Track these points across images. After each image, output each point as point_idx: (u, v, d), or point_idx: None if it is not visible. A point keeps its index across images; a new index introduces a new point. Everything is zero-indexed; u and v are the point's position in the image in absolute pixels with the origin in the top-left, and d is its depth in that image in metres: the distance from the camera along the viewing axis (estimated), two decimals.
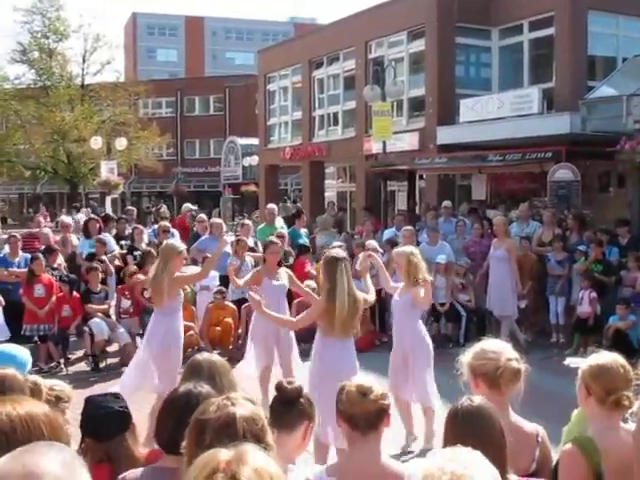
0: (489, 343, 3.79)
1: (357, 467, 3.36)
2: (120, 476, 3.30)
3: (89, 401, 4.15)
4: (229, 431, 2.54)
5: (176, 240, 10.29)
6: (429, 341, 8.30)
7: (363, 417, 3.37)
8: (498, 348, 3.74)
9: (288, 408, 3.70)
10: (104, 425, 3.93)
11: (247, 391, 2.91)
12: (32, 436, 2.10)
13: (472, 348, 3.79)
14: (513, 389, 3.66)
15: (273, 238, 10.33)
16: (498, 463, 2.93)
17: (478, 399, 3.19)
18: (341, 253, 7.27)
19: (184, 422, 2.91)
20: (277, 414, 3.67)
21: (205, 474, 1.78)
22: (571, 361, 3.96)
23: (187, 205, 18.18)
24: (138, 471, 3.29)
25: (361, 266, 7.92)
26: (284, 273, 9.22)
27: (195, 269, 13.38)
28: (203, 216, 16.62)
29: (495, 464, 2.68)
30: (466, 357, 3.77)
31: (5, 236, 14.31)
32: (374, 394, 3.39)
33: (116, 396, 4.16)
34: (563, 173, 17.24)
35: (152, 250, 12.76)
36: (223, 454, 1.82)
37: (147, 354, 8.10)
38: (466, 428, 3.04)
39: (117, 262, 13.30)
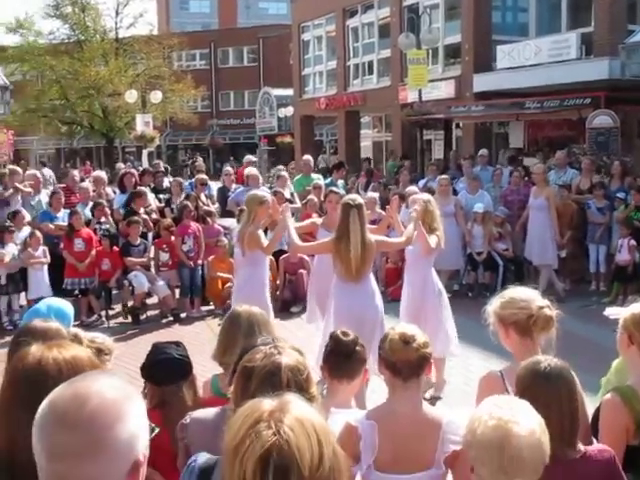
0: (517, 291, 3.76)
1: (398, 412, 3.39)
2: (189, 413, 3.41)
3: (153, 347, 4.24)
4: (273, 380, 2.57)
5: (260, 190, 10.12)
6: (443, 292, 8.24)
7: (405, 364, 3.39)
8: (527, 296, 3.71)
9: (348, 358, 3.78)
10: (160, 370, 4.02)
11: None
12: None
13: (498, 297, 3.77)
14: (546, 335, 3.65)
15: (333, 188, 10.16)
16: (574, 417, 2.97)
17: (560, 362, 3.12)
18: (357, 199, 7.26)
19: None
20: (337, 365, 3.74)
21: (248, 423, 1.81)
22: (610, 312, 3.91)
23: (248, 157, 18.16)
24: (210, 411, 3.37)
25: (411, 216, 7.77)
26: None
27: (232, 221, 13.50)
28: (229, 169, 16.60)
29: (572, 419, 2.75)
30: (494, 306, 3.75)
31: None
32: (417, 342, 3.41)
33: (177, 344, 4.24)
34: (602, 119, 16.97)
35: (188, 204, 12.83)
36: (266, 404, 1.85)
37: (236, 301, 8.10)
38: (550, 387, 2.99)
39: (154, 216, 13.35)
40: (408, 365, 3.39)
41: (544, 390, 2.95)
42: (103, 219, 12.84)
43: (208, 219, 13.25)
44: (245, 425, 1.81)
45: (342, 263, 6.98)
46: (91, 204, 13.32)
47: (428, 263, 8.09)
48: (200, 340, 10.08)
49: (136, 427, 1.78)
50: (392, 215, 7.93)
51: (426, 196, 8.41)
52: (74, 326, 4.79)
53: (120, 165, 27.22)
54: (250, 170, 14.75)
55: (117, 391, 1.80)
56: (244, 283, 8.11)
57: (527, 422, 2.46)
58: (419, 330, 3.54)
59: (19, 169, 14.40)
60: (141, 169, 18.01)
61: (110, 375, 1.88)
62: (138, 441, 1.78)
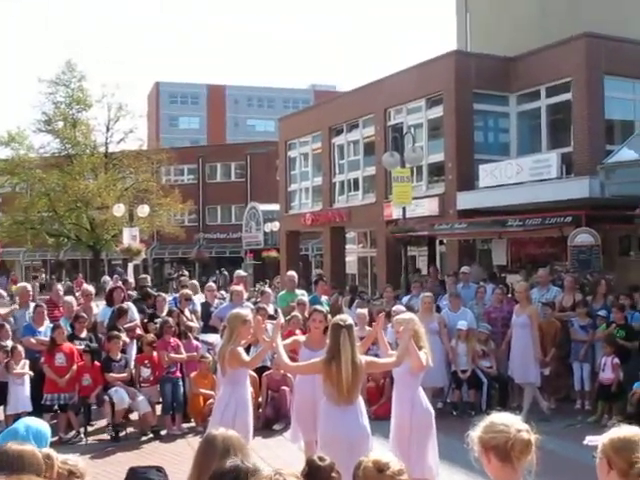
0: (498, 416, 3.74)
1: None
2: None
3: (132, 472, 4.16)
4: None
5: (242, 309, 10.08)
6: (431, 411, 8.14)
7: None
8: (507, 420, 3.68)
9: None
10: None
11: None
12: None
13: (481, 422, 3.75)
14: (525, 461, 3.61)
15: (317, 306, 10.09)
16: None
17: None
18: (347, 320, 7.21)
19: None
20: None
21: None
22: (590, 439, 3.88)
23: (238, 272, 18.27)
24: None
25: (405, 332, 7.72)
26: None
27: (215, 337, 13.45)
28: (212, 285, 16.67)
29: None
30: (476, 432, 3.72)
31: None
32: (391, 470, 3.37)
33: (158, 469, 4.17)
34: (583, 237, 17.22)
35: (169, 320, 12.81)
36: None
37: (215, 423, 7.98)
38: None
39: (138, 331, 13.31)
40: None
41: None
42: (84, 334, 12.75)
43: (189, 334, 13.22)
44: None
45: (332, 385, 6.89)
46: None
47: (416, 382, 8.01)
48: (181, 460, 9.89)
49: None
50: (378, 331, 7.92)
51: (409, 315, 8.40)
52: (52, 443, 4.72)
53: (106, 278, 27.23)
54: (235, 287, 14.78)
55: None
56: (224, 403, 7.99)
57: None
58: (394, 457, 3.51)
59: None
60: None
61: None
62: None
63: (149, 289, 16.08)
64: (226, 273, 35.24)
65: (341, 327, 6.93)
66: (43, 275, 52.68)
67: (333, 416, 6.92)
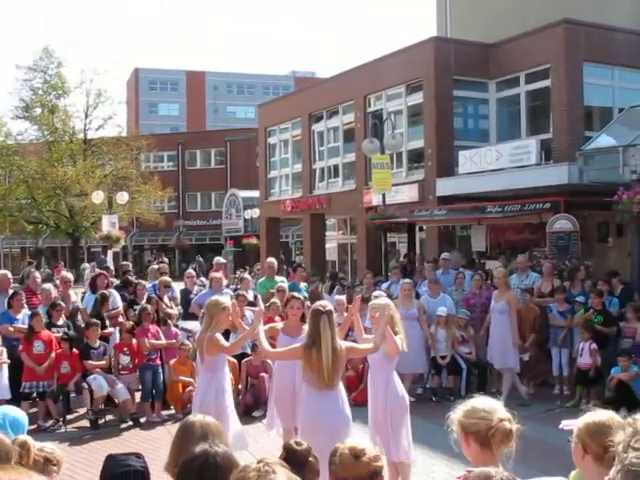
0: (480, 401, 3.73)
1: None
2: None
3: (110, 458, 4.13)
4: None
5: (222, 296, 10.01)
6: (405, 395, 8.16)
7: None
8: (490, 407, 3.67)
9: (300, 469, 3.70)
10: None
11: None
12: None
13: (462, 405, 3.74)
14: (505, 448, 3.62)
15: (295, 293, 10.08)
16: None
17: (505, 472, 3.09)
18: (327, 305, 7.19)
19: None
20: None
21: None
22: (565, 424, 3.90)
23: (218, 259, 18.19)
24: None
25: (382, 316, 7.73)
26: None
27: (195, 324, 13.43)
28: (191, 271, 16.61)
29: None
30: (457, 414, 3.71)
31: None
32: (367, 456, 3.36)
33: (137, 455, 4.15)
34: (562, 224, 17.29)
35: (148, 307, 12.78)
36: None
37: (195, 411, 7.94)
38: None
39: (121, 319, 13.27)
40: None
41: None
42: (60, 321, 12.68)
43: (168, 321, 13.19)
44: None
45: (313, 371, 6.88)
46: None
47: (390, 367, 8.01)
48: (159, 446, 9.88)
49: None
50: (354, 314, 7.91)
51: (384, 300, 8.38)
52: (30, 431, 4.71)
53: (85, 265, 27.11)
54: (214, 274, 14.75)
55: None
56: (203, 390, 7.98)
57: None
58: (370, 443, 3.50)
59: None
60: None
61: None
62: None
63: (129, 276, 16.04)
64: (201, 259, 35.08)
65: (321, 313, 6.92)
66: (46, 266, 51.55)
67: (314, 402, 6.92)
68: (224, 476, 2.77)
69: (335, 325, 7.06)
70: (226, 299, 8.37)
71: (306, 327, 8.71)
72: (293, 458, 3.74)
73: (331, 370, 6.83)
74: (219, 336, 7.94)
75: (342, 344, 7.06)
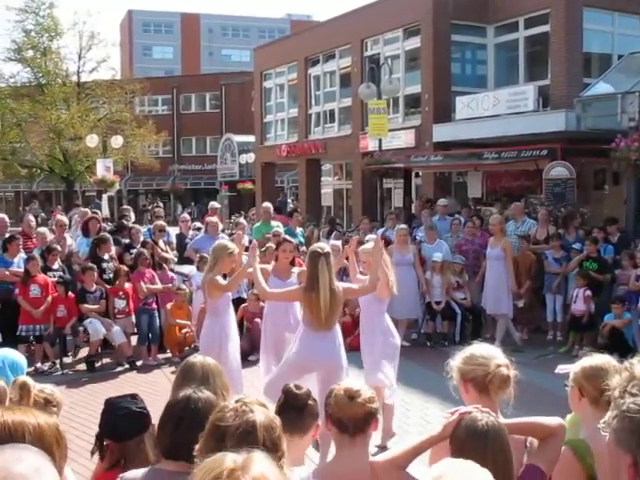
0: (479, 348, 3.75)
1: (344, 469, 3.37)
2: (120, 475, 3.30)
3: (108, 402, 4.17)
4: (249, 439, 2.56)
5: (228, 240, 9.99)
6: (397, 336, 8.25)
7: (351, 420, 3.38)
8: (488, 353, 3.70)
9: (300, 413, 3.74)
10: (122, 425, 3.95)
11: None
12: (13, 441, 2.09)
13: (462, 352, 3.76)
14: (503, 394, 3.65)
15: (287, 236, 10.14)
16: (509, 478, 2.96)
17: (491, 417, 3.13)
18: (325, 248, 7.21)
19: (182, 427, 2.94)
20: (289, 419, 3.66)
21: (208, 479, 1.79)
22: (561, 368, 3.94)
23: (212, 203, 18.11)
24: (140, 471, 3.28)
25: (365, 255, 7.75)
26: (298, 273, 8.85)
27: (191, 268, 13.45)
28: (186, 216, 16.58)
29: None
30: (456, 361, 3.74)
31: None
32: (362, 397, 3.39)
33: (134, 397, 4.18)
34: (558, 171, 17.25)
35: (144, 251, 12.76)
36: (229, 460, 1.84)
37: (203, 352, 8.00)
38: (488, 446, 2.99)
39: (115, 263, 13.24)
40: (354, 421, 3.38)
41: (481, 449, 2.95)
42: (56, 265, 12.67)
43: (164, 265, 13.20)
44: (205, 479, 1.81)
45: (312, 312, 6.93)
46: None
47: (381, 309, 8.08)
48: (156, 389, 9.96)
49: None
50: (350, 254, 7.93)
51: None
52: (28, 373, 4.74)
53: (74, 211, 27.00)
54: (210, 218, 14.72)
55: (24, 464, 1.69)
56: (210, 333, 8.08)
57: None
58: (365, 385, 3.53)
59: None
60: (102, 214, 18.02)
61: (19, 448, 1.78)
62: None
63: (124, 221, 15.97)
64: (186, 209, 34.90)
65: (319, 255, 6.94)
66: (36, 206, 50.91)
67: (311, 342, 6.99)
68: (204, 422, 2.78)
69: (333, 267, 7.09)
70: (233, 245, 8.39)
71: (295, 270, 8.82)
72: (293, 401, 3.77)
73: (329, 311, 6.89)
74: (219, 277, 7.99)
75: (339, 285, 7.10)
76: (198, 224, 18.05)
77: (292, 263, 9.11)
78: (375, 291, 7.46)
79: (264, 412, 2.72)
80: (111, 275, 12.65)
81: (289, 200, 34.17)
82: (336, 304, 7.00)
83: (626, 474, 1.72)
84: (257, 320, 12.47)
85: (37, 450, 1.82)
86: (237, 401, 2.76)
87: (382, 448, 7.29)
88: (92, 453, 4.07)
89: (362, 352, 8.18)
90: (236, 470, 1.80)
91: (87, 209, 21.42)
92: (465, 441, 3.03)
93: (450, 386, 3.77)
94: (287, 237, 9.79)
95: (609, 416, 1.81)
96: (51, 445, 2.13)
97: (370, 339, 8.07)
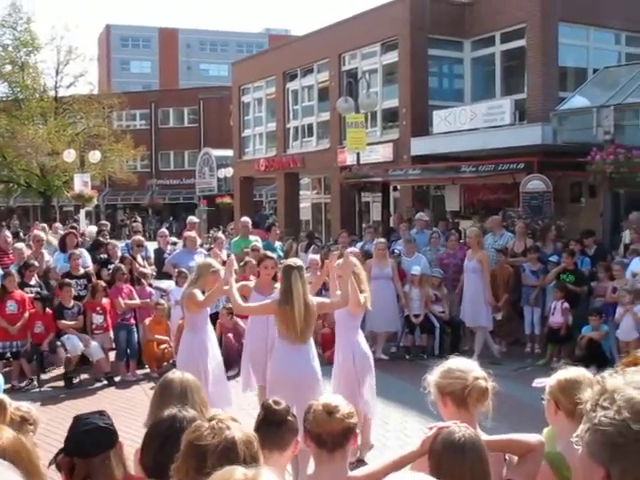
0: (456, 362, 3.77)
1: None
2: None
3: (75, 419, 4.12)
4: (231, 456, 2.57)
5: (212, 260, 9.94)
6: (369, 353, 8.24)
7: (330, 436, 3.37)
8: (465, 367, 3.71)
9: (279, 428, 3.73)
10: (86, 441, 3.88)
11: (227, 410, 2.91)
12: None
13: (439, 367, 3.78)
14: (481, 407, 3.66)
15: (268, 252, 10.11)
16: None
17: (468, 430, 3.14)
18: (298, 262, 7.30)
19: (167, 446, 2.93)
20: (268, 435, 3.66)
21: None
22: (538, 382, 3.96)
23: (191, 218, 18.02)
24: None
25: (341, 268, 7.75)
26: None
27: (169, 283, 13.41)
28: (164, 231, 16.52)
29: None
30: (433, 376, 3.75)
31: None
32: (341, 413, 3.39)
33: (101, 413, 4.14)
34: (535, 184, 17.35)
35: (122, 266, 12.72)
36: (239, 473, 1.86)
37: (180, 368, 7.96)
38: (466, 460, 2.99)
39: (93, 279, 13.17)
40: (333, 436, 3.38)
41: (459, 462, 2.96)
42: (33, 281, 12.59)
43: (142, 280, 13.16)
44: None
45: (287, 325, 6.95)
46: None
47: (355, 324, 8.09)
48: (134, 405, 9.91)
49: None
50: (330, 269, 7.93)
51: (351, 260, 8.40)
52: (5, 391, 4.70)
53: (58, 225, 26.85)
54: (188, 233, 14.68)
55: None
56: (184, 350, 8.08)
57: None
58: (343, 400, 3.53)
59: None
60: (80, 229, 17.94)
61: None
62: None
63: (101, 238, 15.88)
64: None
65: (292, 268, 7.00)
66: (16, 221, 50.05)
67: (284, 354, 7.02)
68: None
69: (306, 280, 7.14)
70: (217, 264, 8.43)
71: (278, 285, 8.78)
72: (272, 417, 3.76)
73: (303, 324, 6.91)
74: (196, 291, 8.00)
75: (313, 300, 7.12)
76: (174, 239, 17.97)
77: (274, 278, 9.10)
78: (347, 305, 7.49)
79: (239, 427, 2.73)
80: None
81: (269, 213, 34.17)
82: (310, 317, 7.02)
83: None
84: (228, 335, 12.45)
85: (7, 464, 1.81)
86: (211, 419, 2.76)
87: (360, 461, 7.28)
88: (49, 465, 4.00)
89: (335, 366, 8.18)
90: None
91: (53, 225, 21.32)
92: (443, 454, 3.04)
93: (428, 401, 3.78)
94: (268, 253, 9.77)
95: (581, 429, 1.82)
96: (20, 461, 2.12)
97: (341, 354, 8.09)
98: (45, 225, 21.38)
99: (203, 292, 8.18)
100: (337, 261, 7.96)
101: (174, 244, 16.37)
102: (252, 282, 9.26)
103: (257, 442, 2.73)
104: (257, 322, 8.73)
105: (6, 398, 4.15)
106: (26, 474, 2.07)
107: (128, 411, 9.54)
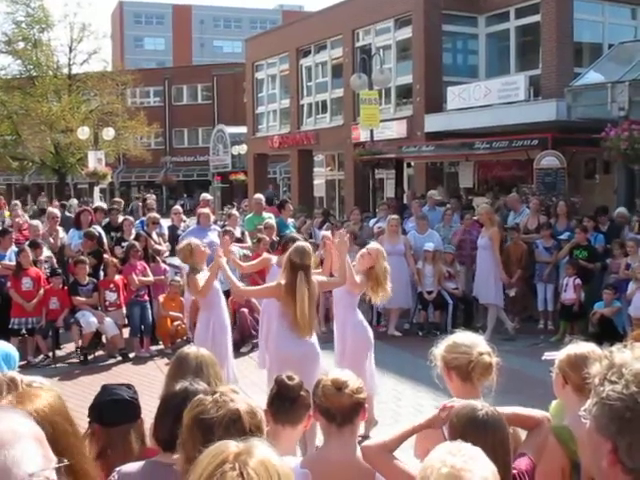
0: (462, 336, 3.80)
1: (331, 459, 3.39)
2: (117, 468, 3.30)
3: (103, 388, 4.18)
4: (237, 427, 2.62)
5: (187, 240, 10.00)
6: (368, 329, 8.26)
7: (339, 411, 3.40)
8: (470, 342, 3.74)
9: (292, 403, 3.77)
10: (109, 411, 3.94)
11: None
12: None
13: (445, 341, 3.81)
14: (485, 382, 3.69)
15: (294, 234, 10.16)
16: (507, 468, 2.99)
17: (495, 410, 3.14)
18: (305, 256, 7.11)
19: (182, 419, 2.97)
20: (282, 410, 3.72)
21: (215, 464, 1.84)
22: (547, 355, 3.99)
23: (204, 195, 18.04)
24: (137, 464, 3.30)
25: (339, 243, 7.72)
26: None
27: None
28: (178, 208, 16.55)
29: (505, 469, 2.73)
30: (439, 350, 3.79)
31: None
32: (350, 388, 3.42)
33: (129, 387, 4.19)
34: (549, 160, 17.28)
35: (136, 244, 12.77)
36: (232, 446, 1.88)
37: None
38: (488, 436, 2.98)
39: (106, 255, 13.23)
40: (342, 411, 3.40)
41: (481, 439, 2.95)
42: (44, 257, 12.66)
43: (157, 257, 13.22)
44: (211, 465, 1.85)
45: (292, 315, 6.96)
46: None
47: (352, 302, 8.10)
48: (149, 381, 10.00)
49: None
50: (333, 248, 7.90)
51: (376, 246, 8.42)
52: (20, 367, 4.74)
53: (74, 201, 26.97)
54: (201, 209, 14.71)
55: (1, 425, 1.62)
56: (202, 328, 8.21)
57: (480, 470, 2.41)
58: (352, 375, 3.56)
59: None
60: (93, 206, 17.93)
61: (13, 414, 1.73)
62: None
63: (112, 215, 15.87)
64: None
65: (299, 267, 6.89)
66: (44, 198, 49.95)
67: (284, 335, 7.07)
68: None
69: (311, 277, 7.05)
70: (192, 240, 8.66)
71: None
72: (285, 392, 3.80)
73: (307, 320, 6.94)
74: (198, 277, 8.10)
75: (315, 281, 7.12)
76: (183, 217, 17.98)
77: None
78: (345, 284, 7.54)
79: (241, 399, 2.77)
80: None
81: (280, 192, 34.10)
82: (313, 309, 7.10)
83: (606, 460, 1.76)
84: (243, 310, 12.50)
85: (21, 412, 1.81)
86: (214, 392, 2.80)
87: (365, 437, 7.33)
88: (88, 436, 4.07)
89: (335, 343, 8.23)
90: (241, 454, 1.84)
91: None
92: (466, 432, 3.02)
93: (434, 374, 3.81)
94: (294, 235, 9.67)
95: (589, 403, 1.84)
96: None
97: (340, 331, 8.14)
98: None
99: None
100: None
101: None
102: (273, 257, 9.38)
103: (261, 413, 2.77)
104: (273, 302, 8.78)
105: (17, 375, 4.18)
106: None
107: (143, 387, 9.54)
